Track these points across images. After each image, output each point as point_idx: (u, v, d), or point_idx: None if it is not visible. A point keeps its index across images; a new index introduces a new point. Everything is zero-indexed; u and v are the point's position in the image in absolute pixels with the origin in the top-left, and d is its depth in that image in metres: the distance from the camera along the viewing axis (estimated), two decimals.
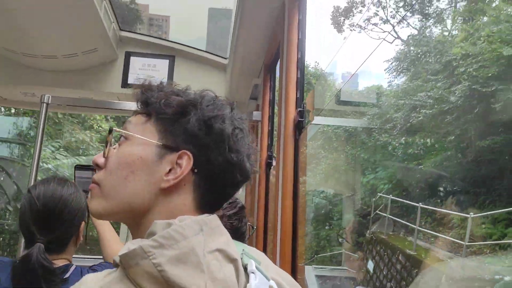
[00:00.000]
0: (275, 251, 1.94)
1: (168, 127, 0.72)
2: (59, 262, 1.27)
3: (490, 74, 6.31)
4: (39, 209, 1.24)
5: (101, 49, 3.23)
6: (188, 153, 0.70)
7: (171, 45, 3.57)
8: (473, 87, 6.55)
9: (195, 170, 0.71)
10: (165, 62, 3.47)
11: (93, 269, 1.33)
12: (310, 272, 9.55)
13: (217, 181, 0.72)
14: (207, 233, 0.64)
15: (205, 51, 3.68)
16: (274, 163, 2.67)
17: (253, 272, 0.66)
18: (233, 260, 0.64)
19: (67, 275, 1.23)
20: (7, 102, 3.99)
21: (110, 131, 0.76)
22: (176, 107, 0.72)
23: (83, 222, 1.37)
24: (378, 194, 9.60)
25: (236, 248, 0.69)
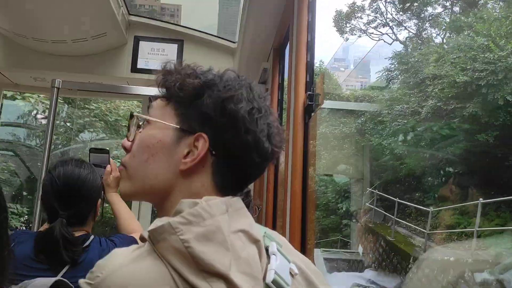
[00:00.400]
0: (285, 235, 1.95)
1: (185, 110, 0.72)
2: (78, 233, 1.38)
3: (450, 95, 8.03)
4: (60, 188, 1.36)
5: (110, 33, 3.23)
6: (204, 135, 0.70)
7: (179, 29, 3.56)
8: (438, 104, 8.43)
9: (213, 152, 0.70)
10: (174, 47, 3.46)
11: (111, 239, 1.44)
12: (319, 255, 9.86)
13: (235, 162, 0.72)
14: (231, 214, 0.66)
15: (214, 35, 3.65)
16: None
17: (274, 254, 0.67)
18: (256, 241, 0.66)
19: (87, 243, 1.35)
20: (19, 87, 4.02)
21: (132, 116, 0.78)
22: (192, 90, 0.71)
23: (99, 199, 1.48)
24: (368, 188, 10.32)
25: (259, 230, 0.70)
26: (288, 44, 2.25)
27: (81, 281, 0.63)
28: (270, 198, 2.89)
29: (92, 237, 1.40)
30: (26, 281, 1.21)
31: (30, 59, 3.42)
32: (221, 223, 0.62)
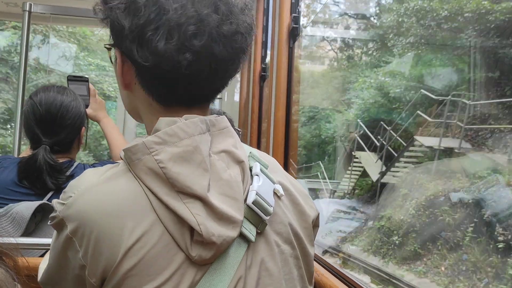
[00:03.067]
0: None
1: (111, 25, 0.68)
2: (62, 160, 1.36)
3: None
4: (42, 114, 1.32)
5: None
6: (117, 49, 0.67)
7: None
8: None
9: (135, 66, 0.66)
10: None
11: (94, 166, 1.40)
12: (304, 185, 10.49)
13: (148, 70, 0.64)
14: (215, 133, 0.64)
15: None
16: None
17: (257, 175, 0.66)
18: (239, 162, 0.64)
19: (71, 170, 1.34)
20: None
21: (108, 48, 0.72)
22: (104, 3, 0.67)
23: (83, 127, 1.45)
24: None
25: (244, 150, 0.69)
26: None
27: (54, 201, 0.62)
28: (254, 128, 2.88)
29: (76, 163, 1.38)
30: (11, 204, 1.23)
31: None
32: (199, 143, 0.60)
